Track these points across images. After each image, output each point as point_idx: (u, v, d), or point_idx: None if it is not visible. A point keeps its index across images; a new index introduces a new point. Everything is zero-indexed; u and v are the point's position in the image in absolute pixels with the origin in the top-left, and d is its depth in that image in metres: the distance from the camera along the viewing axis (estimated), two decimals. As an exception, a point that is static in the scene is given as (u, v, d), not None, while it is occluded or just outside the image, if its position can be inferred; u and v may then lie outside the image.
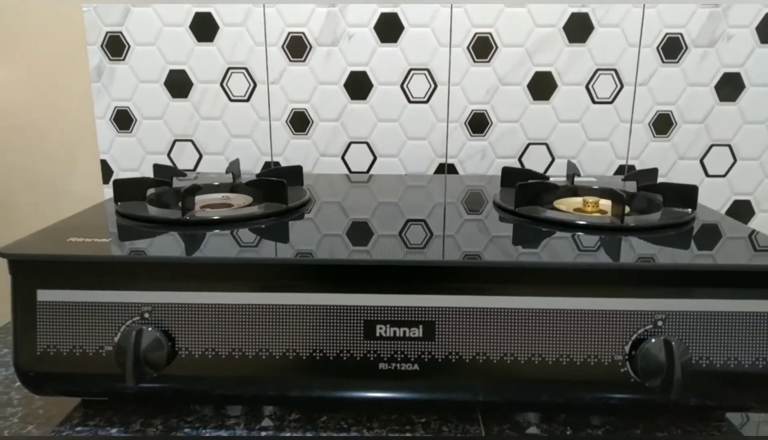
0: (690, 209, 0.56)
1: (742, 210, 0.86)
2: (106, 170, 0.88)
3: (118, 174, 0.88)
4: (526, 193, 0.57)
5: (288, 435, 0.47)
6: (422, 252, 0.47)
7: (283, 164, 0.87)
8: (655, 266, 0.44)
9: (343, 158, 0.87)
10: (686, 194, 0.56)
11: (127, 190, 0.58)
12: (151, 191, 0.61)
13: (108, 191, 0.89)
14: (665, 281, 0.44)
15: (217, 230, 0.53)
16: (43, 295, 0.46)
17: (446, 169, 0.87)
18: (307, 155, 0.87)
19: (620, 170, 0.85)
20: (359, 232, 0.52)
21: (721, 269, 0.44)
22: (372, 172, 0.87)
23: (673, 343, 0.43)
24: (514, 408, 0.49)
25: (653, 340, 0.44)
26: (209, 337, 0.46)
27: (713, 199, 0.86)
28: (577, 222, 0.53)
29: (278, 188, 0.58)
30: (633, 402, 0.46)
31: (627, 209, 0.59)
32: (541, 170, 0.86)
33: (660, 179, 0.84)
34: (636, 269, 0.44)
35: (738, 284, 0.44)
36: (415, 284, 0.45)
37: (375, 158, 0.87)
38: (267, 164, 0.87)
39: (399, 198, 0.67)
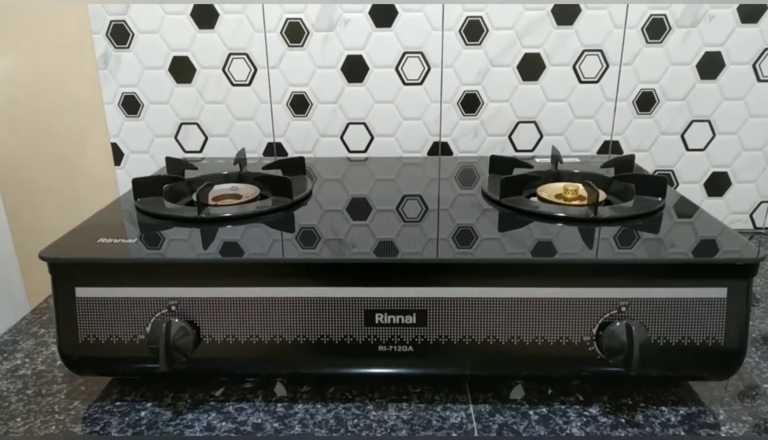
0: (660, 198, 0.62)
1: (720, 181, 0.91)
2: (117, 152, 0.93)
3: (129, 156, 0.93)
4: (510, 184, 0.63)
5: (300, 406, 0.54)
6: (416, 250, 0.52)
7: (285, 145, 0.92)
8: (621, 261, 0.50)
9: (341, 138, 0.91)
10: (656, 185, 0.62)
11: (145, 187, 0.64)
12: (166, 186, 0.66)
13: (120, 172, 0.94)
14: (629, 273, 0.50)
15: (230, 226, 0.59)
16: (81, 292, 0.52)
17: (440, 147, 0.91)
18: (308, 136, 0.91)
19: (605, 146, 0.90)
20: (359, 208, 0.57)
21: (675, 262, 0.50)
22: (369, 150, 0.92)
23: (633, 326, 0.49)
24: (497, 380, 0.56)
25: (617, 323, 0.50)
26: (229, 326, 0.52)
27: (693, 171, 0.91)
28: (556, 214, 0.59)
29: (284, 184, 0.63)
30: (601, 374, 0.53)
31: (603, 195, 0.64)
32: (530, 147, 0.91)
33: (643, 154, 0.89)
34: (603, 263, 0.50)
35: (690, 276, 0.50)
36: (409, 278, 0.51)
37: (372, 138, 0.91)
38: (270, 145, 0.92)
39: (396, 175, 0.72)
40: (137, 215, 0.62)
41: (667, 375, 0.53)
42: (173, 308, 0.52)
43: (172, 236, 0.56)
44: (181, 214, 0.60)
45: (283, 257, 0.52)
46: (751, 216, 0.93)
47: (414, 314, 0.51)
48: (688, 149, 0.90)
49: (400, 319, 0.51)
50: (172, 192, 0.66)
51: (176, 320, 0.51)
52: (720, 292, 0.50)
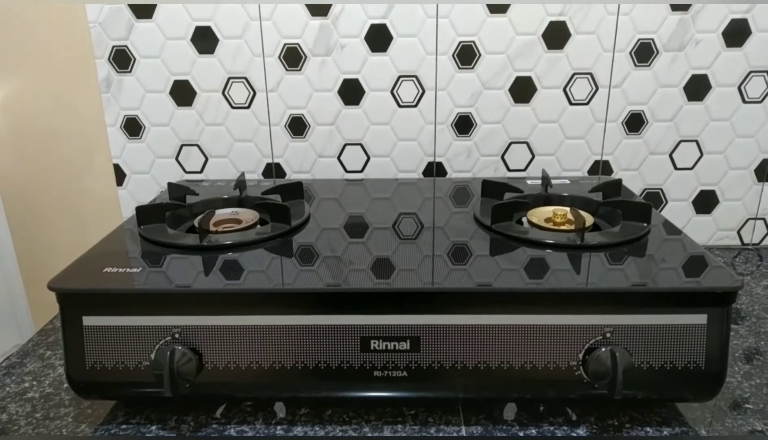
0: (645, 223, 0.64)
1: (707, 199, 0.94)
2: (119, 173, 0.95)
3: (131, 177, 0.95)
4: (501, 211, 0.65)
5: (299, 428, 0.56)
6: (409, 277, 0.55)
7: (284, 165, 0.94)
8: (605, 289, 0.52)
9: (338, 158, 0.94)
10: (641, 211, 0.64)
11: (148, 214, 0.66)
12: (168, 213, 0.68)
13: (122, 192, 0.96)
14: (614, 301, 0.53)
15: (230, 254, 0.61)
16: (89, 320, 0.54)
17: (435, 167, 0.94)
18: (306, 157, 0.94)
19: (595, 165, 0.93)
20: (356, 227, 0.60)
21: (658, 291, 0.52)
22: (366, 170, 0.94)
23: (617, 352, 0.51)
24: (489, 402, 0.58)
25: (602, 349, 0.52)
26: (230, 352, 0.54)
27: (681, 190, 0.93)
28: (544, 240, 0.61)
29: (282, 212, 0.66)
30: (587, 397, 0.55)
31: (591, 219, 0.67)
32: (522, 167, 0.93)
33: (632, 173, 0.92)
34: (590, 291, 0.52)
35: (672, 303, 0.52)
36: (403, 306, 0.53)
37: (368, 158, 0.94)
38: (268, 166, 0.94)
39: (392, 195, 0.75)
40: (141, 242, 0.64)
41: (652, 397, 0.56)
42: (177, 335, 0.54)
43: (175, 264, 0.58)
44: (183, 242, 0.62)
45: (282, 286, 0.54)
46: (738, 232, 0.96)
47: (408, 340, 0.54)
48: (676, 168, 0.92)
49: (394, 345, 0.54)
50: (173, 218, 0.68)
51: (180, 347, 0.54)
52: (700, 318, 0.52)
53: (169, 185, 0.75)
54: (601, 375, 0.52)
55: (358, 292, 0.53)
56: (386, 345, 0.54)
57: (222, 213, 0.72)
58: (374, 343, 0.54)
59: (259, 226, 0.70)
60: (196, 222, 0.61)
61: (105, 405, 0.61)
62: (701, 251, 0.59)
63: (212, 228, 0.67)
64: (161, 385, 0.53)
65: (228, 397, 0.58)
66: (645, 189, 0.94)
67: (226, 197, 0.75)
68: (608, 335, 0.53)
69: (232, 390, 0.56)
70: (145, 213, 0.66)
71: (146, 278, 0.56)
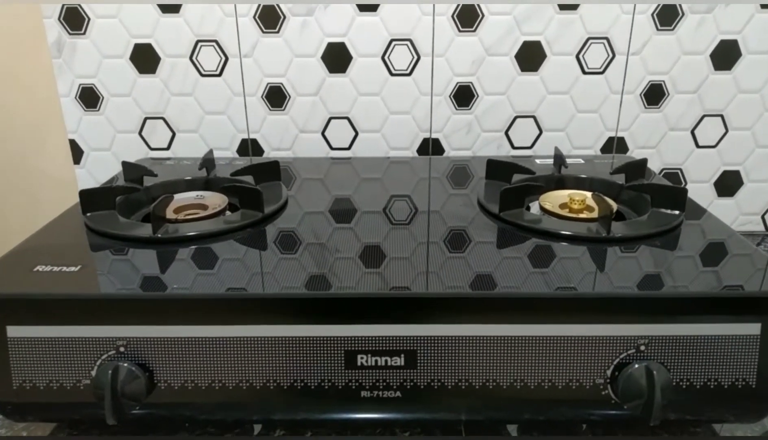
0: (679, 211, 0.55)
1: (731, 180, 0.85)
2: (76, 150, 0.85)
3: (89, 154, 0.85)
4: (510, 196, 0.56)
5: (273, 455, 0.48)
6: (403, 273, 0.45)
7: (261, 141, 0.84)
8: (640, 295, 0.43)
9: (323, 134, 0.84)
10: (675, 197, 0.55)
11: (94, 200, 0.56)
12: (119, 197, 0.58)
13: (80, 171, 0.86)
14: (649, 307, 0.44)
15: (191, 247, 0.51)
16: (14, 331, 0.45)
17: (431, 144, 0.84)
18: (286, 132, 0.83)
19: (609, 143, 0.83)
20: (342, 211, 0.52)
21: (702, 296, 0.43)
22: (353, 148, 0.84)
23: (654, 370, 0.43)
24: (496, 424, 0.50)
25: (635, 365, 0.44)
26: (188, 369, 0.45)
27: (703, 170, 0.84)
28: (562, 232, 0.52)
29: (254, 196, 0.56)
30: (613, 419, 0.46)
31: (614, 206, 0.58)
32: (528, 144, 0.83)
33: (649, 151, 0.83)
34: (619, 296, 0.43)
35: (718, 311, 0.43)
36: (396, 313, 0.44)
37: (357, 134, 0.84)
38: (244, 142, 0.84)
39: (383, 175, 0.66)
40: (86, 233, 0.54)
41: (686, 418, 0.47)
42: (122, 349, 0.45)
43: (123, 262, 0.48)
44: (134, 233, 0.52)
45: (247, 291, 0.44)
46: (763, 218, 0.87)
47: (402, 354, 0.44)
48: (698, 146, 0.83)
49: (386, 361, 0.45)
50: (127, 204, 0.58)
51: (125, 363, 0.44)
52: (753, 328, 0.44)
53: (124, 164, 0.65)
54: (634, 395, 0.44)
55: (341, 298, 0.44)
56: (376, 360, 0.45)
57: (185, 197, 0.62)
58: (362, 358, 0.44)
59: (229, 212, 0.60)
60: (151, 209, 0.51)
61: (45, 426, 0.51)
62: (750, 247, 0.50)
63: (172, 216, 0.57)
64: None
65: (189, 420, 0.49)
66: (662, 169, 0.85)
67: (189, 178, 0.65)
68: (642, 348, 0.44)
69: (193, 410, 0.47)
70: (91, 198, 0.56)
71: (85, 279, 0.46)
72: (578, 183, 0.64)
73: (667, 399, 0.43)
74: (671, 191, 0.56)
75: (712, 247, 0.50)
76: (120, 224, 0.54)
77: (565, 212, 0.58)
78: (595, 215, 0.57)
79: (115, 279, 0.46)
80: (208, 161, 0.67)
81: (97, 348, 0.45)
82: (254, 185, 0.60)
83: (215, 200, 0.62)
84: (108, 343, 0.45)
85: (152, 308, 0.44)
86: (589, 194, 0.58)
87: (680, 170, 0.85)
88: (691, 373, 0.45)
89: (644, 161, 0.64)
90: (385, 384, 0.45)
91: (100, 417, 0.47)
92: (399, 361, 0.44)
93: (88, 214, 0.56)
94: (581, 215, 0.57)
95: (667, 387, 0.43)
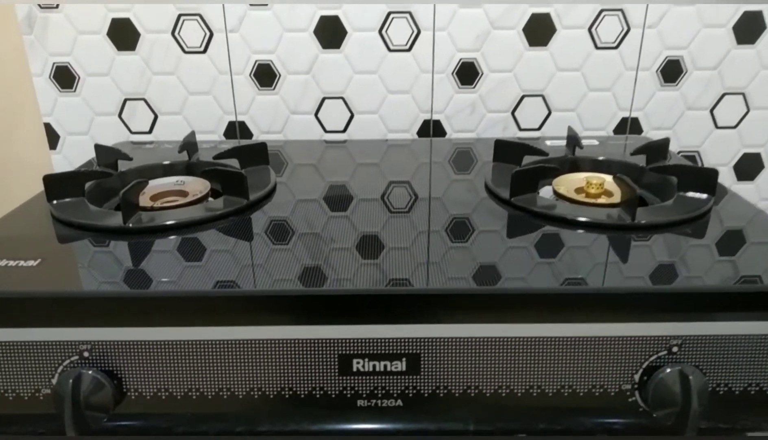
0: (707, 195, 0.50)
1: (751, 163, 0.80)
2: (51, 134, 0.79)
3: (65, 138, 0.79)
4: (522, 179, 0.50)
5: (259, 470, 0.43)
6: (405, 280, 0.40)
7: (249, 124, 0.78)
8: (671, 289, 0.38)
9: (316, 115, 0.78)
10: (704, 179, 0.50)
11: (61, 186, 0.50)
12: (89, 183, 0.52)
13: (56, 157, 0.80)
14: (682, 304, 0.38)
15: (167, 237, 0.46)
16: (-37, 334, 0.39)
17: (432, 126, 0.78)
18: (276, 113, 0.78)
19: (622, 123, 0.78)
20: (337, 198, 0.48)
21: (742, 291, 0.38)
22: (349, 130, 0.78)
23: (689, 375, 0.37)
24: (508, 435, 0.45)
25: (667, 370, 0.39)
26: (160, 376, 0.40)
27: (722, 152, 0.79)
28: (581, 219, 0.47)
29: (238, 180, 0.50)
30: (640, 428, 0.41)
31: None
32: (536, 125, 0.78)
33: (665, 132, 0.77)
34: (649, 291, 0.38)
35: (760, 308, 0.38)
36: (397, 312, 0.39)
37: (352, 115, 0.78)
38: (231, 125, 0.78)
39: (380, 160, 0.60)
40: (53, 223, 0.49)
41: (720, 426, 0.42)
42: (86, 354, 0.39)
43: (90, 255, 0.43)
44: (103, 223, 0.47)
45: (230, 287, 0.39)
46: (784, 203, 0.82)
47: (403, 358, 0.39)
48: (717, 127, 0.78)
49: (385, 365, 0.39)
50: (98, 191, 0.53)
51: (89, 371, 0.39)
52: (800, 327, 0.39)
53: (97, 147, 0.59)
54: (666, 402, 0.39)
55: (334, 294, 0.38)
56: (374, 365, 0.39)
57: (163, 183, 0.56)
58: (357, 363, 0.39)
59: (211, 199, 0.55)
60: (120, 196, 0.46)
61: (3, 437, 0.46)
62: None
63: (148, 204, 0.52)
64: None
65: (165, 431, 0.43)
66: (679, 152, 0.79)
67: (168, 162, 0.59)
68: (675, 349, 0.39)
69: (169, 422, 0.42)
70: (58, 184, 0.51)
71: (44, 274, 0.41)
72: (595, 166, 0.58)
73: (702, 407, 0.38)
74: (700, 172, 0.50)
75: (748, 234, 0.45)
76: (88, 213, 0.49)
77: (581, 197, 0.52)
78: (614, 200, 0.52)
79: (79, 275, 0.41)
80: (189, 144, 0.61)
81: (58, 353, 0.39)
82: (239, 168, 0.55)
83: (196, 185, 0.56)
84: (70, 347, 0.39)
85: (120, 308, 0.39)
86: (608, 177, 0.53)
87: (697, 152, 0.79)
88: (730, 377, 0.40)
89: (666, 141, 0.59)
90: (384, 391, 0.40)
91: (64, 431, 0.42)
92: (400, 366, 0.39)
93: (54, 202, 0.51)
94: (599, 201, 0.52)
95: (703, 394, 0.38)
